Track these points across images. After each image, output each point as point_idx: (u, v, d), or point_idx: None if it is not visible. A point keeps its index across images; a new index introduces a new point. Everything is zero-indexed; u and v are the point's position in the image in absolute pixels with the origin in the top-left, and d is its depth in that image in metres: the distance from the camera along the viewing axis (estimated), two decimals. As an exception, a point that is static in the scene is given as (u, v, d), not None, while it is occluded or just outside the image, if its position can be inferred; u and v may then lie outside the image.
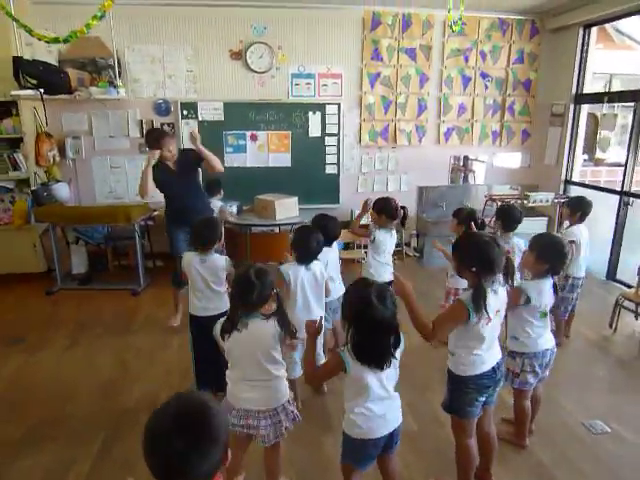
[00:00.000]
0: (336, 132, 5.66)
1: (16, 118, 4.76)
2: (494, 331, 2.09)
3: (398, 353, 1.84)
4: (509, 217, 3.55)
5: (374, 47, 5.49)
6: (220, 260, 2.83)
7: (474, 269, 1.99)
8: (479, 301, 1.94)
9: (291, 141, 5.61)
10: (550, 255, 2.44)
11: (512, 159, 6.08)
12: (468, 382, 2.08)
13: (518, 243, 3.51)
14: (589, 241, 3.75)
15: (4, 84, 4.41)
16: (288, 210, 5.01)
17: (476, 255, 2.00)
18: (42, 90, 4.34)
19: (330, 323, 3.43)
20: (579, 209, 3.68)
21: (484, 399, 2.12)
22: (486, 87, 5.79)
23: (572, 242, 3.62)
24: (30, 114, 4.87)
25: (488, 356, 2.08)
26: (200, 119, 5.42)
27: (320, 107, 5.56)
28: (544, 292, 2.43)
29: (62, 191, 5.10)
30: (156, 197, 4.46)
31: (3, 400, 3.01)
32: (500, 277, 2.05)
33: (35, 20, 4.83)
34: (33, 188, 4.85)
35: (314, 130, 5.62)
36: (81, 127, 5.29)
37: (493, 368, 2.10)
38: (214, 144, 5.44)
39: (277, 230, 5.13)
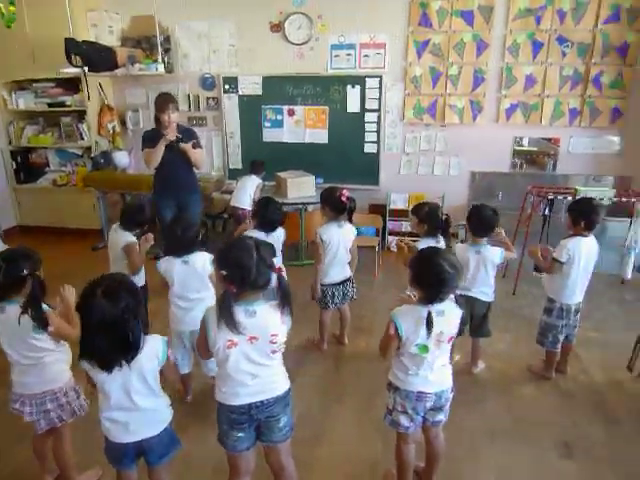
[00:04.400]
0: (377, 108, 5.23)
1: (83, 93, 5.45)
2: (249, 357, 1.74)
3: (146, 361, 1.69)
4: (477, 219, 2.94)
5: (422, 11, 4.86)
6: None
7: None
8: (223, 310, 1.68)
9: (328, 117, 5.36)
10: (423, 276, 1.92)
11: (596, 143, 4.91)
12: (219, 409, 1.84)
13: (491, 254, 2.91)
14: (594, 258, 2.91)
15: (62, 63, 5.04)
16: (302, 189, 4.86)
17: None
18: (86, 68, 4.86)
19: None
20: (581, 216, 2.85)
21: (245, 435, 1.84)
22: (564, 54, 4.72)
23: (555, 261, 2.86)
24: (94, 89, 5.49)
25: (236, 386, 1.78)
26: (240, 93, 5.49)
27: (359, 80, 5.18)
28: (414, 323, 1.89)
29: (121, 159, 5.69)
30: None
31: None
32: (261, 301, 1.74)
33: (104, 3, 5.41)
34: (92, 155, 5.54)
35: (352, 105, 5.27)
36: (140, 101, 5.80)
37: (250, 405, 1.79)
38: (252, 119, 5.53)
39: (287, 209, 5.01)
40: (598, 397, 2.95)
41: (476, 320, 3.06)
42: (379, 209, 5.39)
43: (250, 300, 1.71)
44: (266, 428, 1.87)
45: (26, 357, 2.01)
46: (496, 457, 2.48)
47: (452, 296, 1.96)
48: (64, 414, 2.11)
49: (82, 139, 5.61)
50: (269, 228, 3.18)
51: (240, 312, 1.69)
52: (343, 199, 3.17)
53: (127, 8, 5.43)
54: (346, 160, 5.43)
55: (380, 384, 2.26)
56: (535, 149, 5.13)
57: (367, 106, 5.24)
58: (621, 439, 2.59)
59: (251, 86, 5.44)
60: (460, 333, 3.07)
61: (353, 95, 5.23)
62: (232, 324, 1.67)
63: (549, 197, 3.97)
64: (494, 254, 2.88)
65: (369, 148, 5.38)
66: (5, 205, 5.87)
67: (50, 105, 5.59)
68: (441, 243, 3.09)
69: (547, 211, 4.00)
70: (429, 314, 1.87)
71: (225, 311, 1.67)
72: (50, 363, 2.06)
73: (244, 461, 1.91)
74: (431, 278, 1.87)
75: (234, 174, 5.71)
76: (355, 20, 5.04)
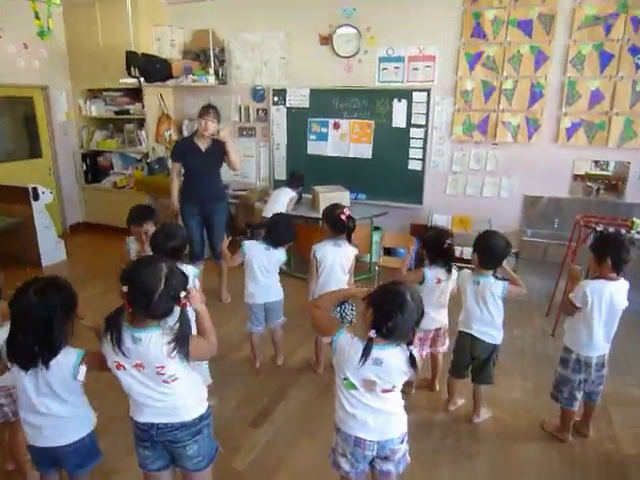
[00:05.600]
0: (423, 123, 4.95)
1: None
2: (142, 382, 1.66)
3: (57, 369, 1.68)
4: (485, 247, 2.61)
5: (475, 21, 4.53)
6: None
7: None
8: (110, 326, 1.62)
9: (373, 131, 5.18)
10: (380, 304, 1.68)
11: (675, 171, 4.23)
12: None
13: (490, 286, 2.57)
14: (621, 305, 2.45)
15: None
16: (335, 204, 4.71)
17: None
18: (142, 79, 5.14)
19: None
20: (607, 254, 2.42)
21: (152, 454, 1.75)
22: (638, 67, 4.13)
23: (573, 307, 2.45)
24: (155, 99, 5.81)
25: (140, 405, 1.70)
26: (288, 105, 5.50)
27: (406, 94, 4.94)
28: (346, 353, 1.70)
29: (176, 165, 5.95)
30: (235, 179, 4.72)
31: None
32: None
33: (170, 18, 5.74)
34: (148, 161, 5.85)
35: (398, 120, 5.04)
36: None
37: (152, 424, 1.70)
38: (299, 131, 5.51)
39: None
40: (618, 472, 2.48)
41: (476, 363, 2.73)
42: (420, 229, 5.09)
43: (140, 326, 1.61)
44: (175, 453, 1.77)
45: None
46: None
47: (406, 349, 1.72)
48: (14, 408, 2.16)
49: (141, 145, 5.95)
50: (272, 244, 3.09)
51: (127, 336, 1.61)
52: (342, 217, 3.00)
53: (191, 22, 5.68)
54: (389, 176, 5.21)
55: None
56: (604, 173, 4.55)
57: (413, 121, 4.98)
58: (629, 529, 2.15)
59: (299, 98, 5.42)
60: (460, 376, 2.80)
61: (399, 109, 5.00)
62: (116, 344, 1.59)
63: (598, 229, 3.47)
64: (494, 287, 2.54)
65: (414, 165, 5.11)
66: (74, 202, 6.39)
67: (117, 113, 6.01)
68: (440, 273, 2.79)
69: (595, 245, 3.49)
70: (369, 341, 1.65)
71: (112, 328, 1.60)
72: None
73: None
74: (379, 310, 1.65)
75: (279, 185, 5.68)
76: (404, 32, 4.83)
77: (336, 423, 1.86)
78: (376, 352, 1.67)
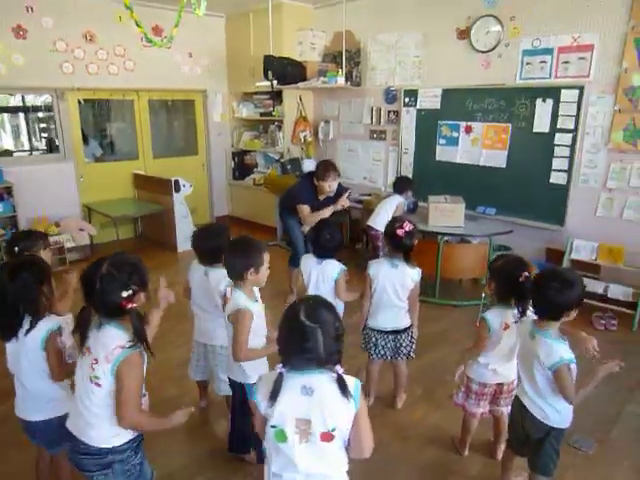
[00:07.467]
0: (572, 127, 4.07)
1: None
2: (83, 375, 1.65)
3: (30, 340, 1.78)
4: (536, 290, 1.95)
5: (652, -2, 3.51)
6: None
7: None
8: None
9: (510, 136, 4.45)
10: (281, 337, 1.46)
11: None
12: None
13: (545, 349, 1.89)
14: None
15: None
16: (447, 217, 4.18)
17: None
18: (275, 82, 5.30)
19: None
20: None
21: None
22: None
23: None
24: (294, 101, 5.97)
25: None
26: (418, 107, 5.08)
27: (552, 93, 4.12)
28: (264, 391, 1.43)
29: (309, 166, 5.99)
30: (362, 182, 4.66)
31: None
32: None
33: (315, 23, 5.86)
34: (282, 160, 6.04)
35: (540, 123, 4.24)
36: (332, 113, 6.00)
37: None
38: (428, 135, 5.07)
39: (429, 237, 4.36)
40: None
41: (531, 442, 2.05)
42: (557, 256, 4.22)
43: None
44: None
45: None
46: None
47: (334, 375, 1.38)
48: None
49: (278, 145, 6.18)
50: (320, 254, 2.80)
51: (93, 325, 1.60)
52: (398, 232, 2.57)
53: (333, 26, 5.67)
54: (525, 190, 4.43)
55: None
56: None
57: (559, 125, 4.13)
58: None
59: (430, 99, 4.97)
60: (516, 451, 2.15)
61: (543, 111, 4.20)
62: (82, 335, 1.62)
63: None
64: (547, 352, 1.85)
65: (556, 178, 4.24)
66: (222, 197, 6.97)
67: (261, 114, 6.35)
68: (509, 315, 2.17)
69: None
70: (279, 376, 1.39)
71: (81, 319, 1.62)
72: None
73: None
74: (282, 328, 1.42)
75: (404, 192, 5.35)
76: (555, 19, 4.03)
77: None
78: (305, 378, 1.38)
